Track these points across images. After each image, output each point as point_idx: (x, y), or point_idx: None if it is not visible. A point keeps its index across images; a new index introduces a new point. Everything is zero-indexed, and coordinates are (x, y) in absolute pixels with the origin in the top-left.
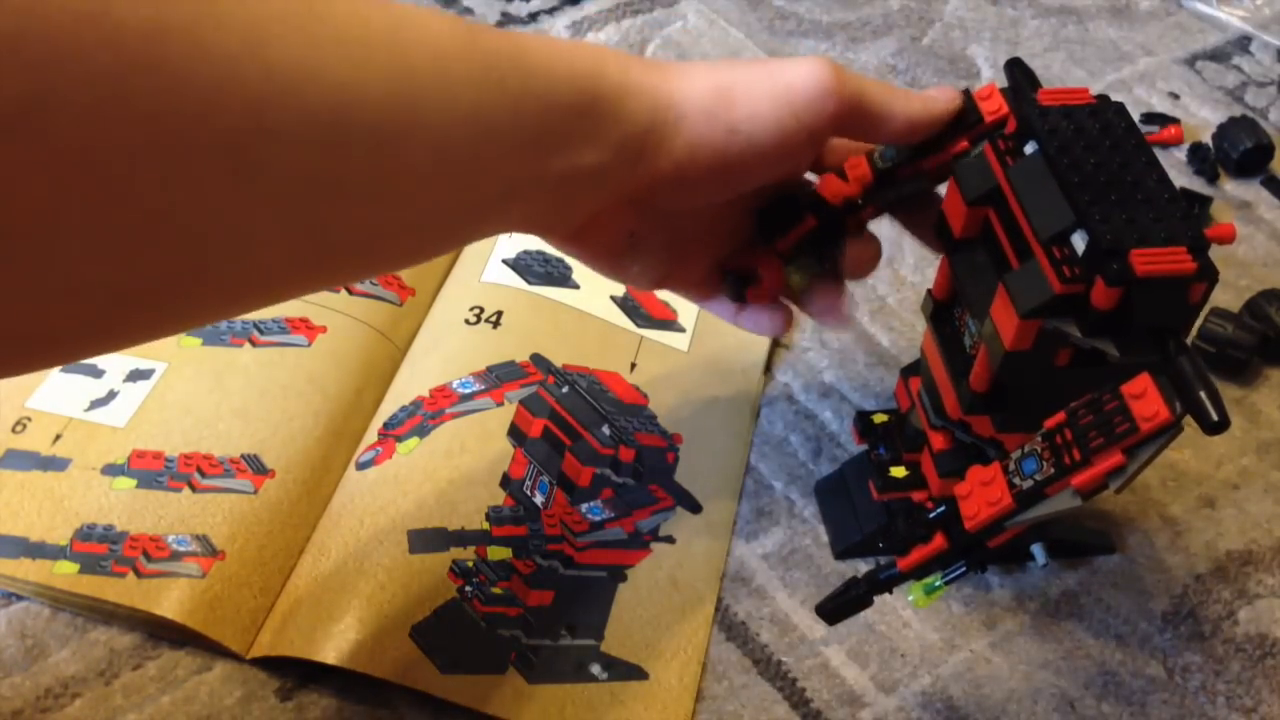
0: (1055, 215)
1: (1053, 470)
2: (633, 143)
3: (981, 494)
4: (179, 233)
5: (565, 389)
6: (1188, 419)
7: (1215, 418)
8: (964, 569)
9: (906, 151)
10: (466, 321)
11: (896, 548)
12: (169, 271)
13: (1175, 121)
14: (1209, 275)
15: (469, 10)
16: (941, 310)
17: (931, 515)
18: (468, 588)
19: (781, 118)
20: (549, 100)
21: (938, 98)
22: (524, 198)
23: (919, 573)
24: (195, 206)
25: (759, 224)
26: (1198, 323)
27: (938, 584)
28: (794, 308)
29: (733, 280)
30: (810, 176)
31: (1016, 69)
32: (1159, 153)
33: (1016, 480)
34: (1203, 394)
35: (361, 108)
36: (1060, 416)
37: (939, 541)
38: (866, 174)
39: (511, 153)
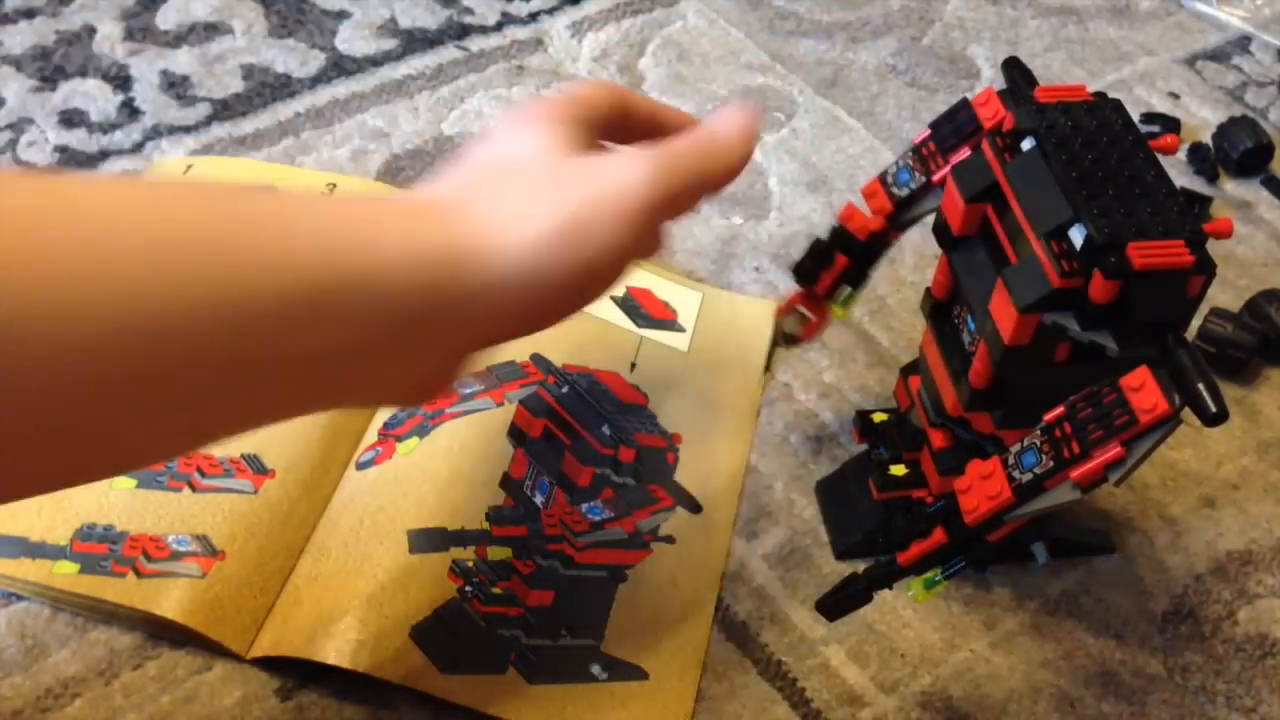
0: (1053, 210)
1: (1052, 463)
2: (414, 309)
3: (981, 488)
4: None
5: (565, 389)
6: (1186, 413)
7: (1214, 409)
8: (963, 563)
9: (921, 177)
10: None
11: (897, 545)
12: None
13: (1175, 123)
14: (1207, 268)
15: (469, 10)
16: (940, 308)
17: (931, 509)
18: (468, 588)
19: (622, 248)
20: (267, 297)
21: (741, 142)
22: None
23: (919, 567)
24: None
25: (795, 274)
26: (1197, 322)
27: (937, 579)
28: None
29: (786, 331)
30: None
31: (1014, 68)
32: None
33: (1016, 474)
34: (1201, 386)
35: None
36: (1059, 410)
37: (938, 536)
38: (886, 205)
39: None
